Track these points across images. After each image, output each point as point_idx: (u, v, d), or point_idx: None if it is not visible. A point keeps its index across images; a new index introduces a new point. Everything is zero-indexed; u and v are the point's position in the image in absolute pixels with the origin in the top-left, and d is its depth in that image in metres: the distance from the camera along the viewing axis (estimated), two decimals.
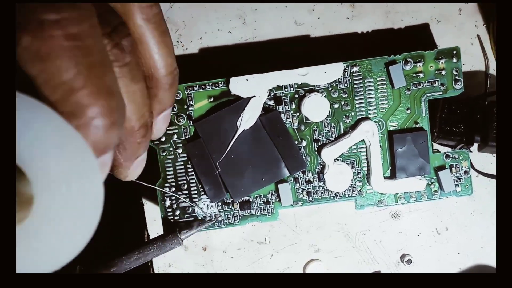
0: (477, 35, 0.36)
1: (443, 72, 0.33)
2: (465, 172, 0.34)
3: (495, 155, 0.35)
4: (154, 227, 0.37)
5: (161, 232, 0.37)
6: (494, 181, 0.36)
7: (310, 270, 0.37)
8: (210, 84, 0.33)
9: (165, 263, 0.37)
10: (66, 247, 0.17)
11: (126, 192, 0.40)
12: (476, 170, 0.35)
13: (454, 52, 0.32)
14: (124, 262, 0.31)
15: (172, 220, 0.34)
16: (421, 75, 0.32)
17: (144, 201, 0.37)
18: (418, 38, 0.36)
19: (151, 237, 0.38)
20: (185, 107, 0.33)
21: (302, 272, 0.37)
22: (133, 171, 0.24)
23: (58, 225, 0.17)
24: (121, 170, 0.23)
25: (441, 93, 0.33)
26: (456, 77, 0.33)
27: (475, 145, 0.35)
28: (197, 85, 0.33)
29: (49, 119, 0.16)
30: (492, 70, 0.36)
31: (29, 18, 0.16)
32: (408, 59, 0.32)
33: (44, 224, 0.17)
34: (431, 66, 0.32)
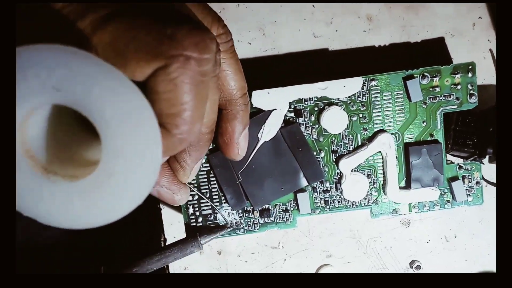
0: (490, 49, 0.37)
1: (459, 87, 0.33)
2: (477, 182, 0.35)
3: None
4: (171, 231, 0.38)
5: (179, 236, 0.38)
6: None
7: None
8: None
9: (180, 265, 0.38)
10: (131, 197, 0.19)
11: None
12: (485, 180, 0.36)
13: (470, 67, 0.33)
14: (147, 262, 0.32)
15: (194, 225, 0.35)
16: (437, 89, 0.33)
17: (161, 206, 0.38)
18: (433, 52, 0.37)
19: (167, 241, 0.39)
20: None
21: None
22: (194, 172, 0.28)
23: (123, 181, 0.19)
24: (186, 170, 0.28)
25: (456, 106, 0.34)
26: (471, 91, 0.33)
27: (487, 157, 0.35)
28: None
29: (132, 92, 0.18)
30: None
31: (178, 51, 0.19)
32: (425, 74, 0.33)
33: (112, 175, 0.19)
34: (447, 81, 0.33)
